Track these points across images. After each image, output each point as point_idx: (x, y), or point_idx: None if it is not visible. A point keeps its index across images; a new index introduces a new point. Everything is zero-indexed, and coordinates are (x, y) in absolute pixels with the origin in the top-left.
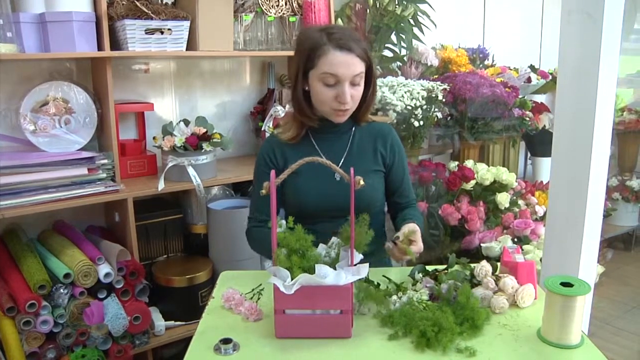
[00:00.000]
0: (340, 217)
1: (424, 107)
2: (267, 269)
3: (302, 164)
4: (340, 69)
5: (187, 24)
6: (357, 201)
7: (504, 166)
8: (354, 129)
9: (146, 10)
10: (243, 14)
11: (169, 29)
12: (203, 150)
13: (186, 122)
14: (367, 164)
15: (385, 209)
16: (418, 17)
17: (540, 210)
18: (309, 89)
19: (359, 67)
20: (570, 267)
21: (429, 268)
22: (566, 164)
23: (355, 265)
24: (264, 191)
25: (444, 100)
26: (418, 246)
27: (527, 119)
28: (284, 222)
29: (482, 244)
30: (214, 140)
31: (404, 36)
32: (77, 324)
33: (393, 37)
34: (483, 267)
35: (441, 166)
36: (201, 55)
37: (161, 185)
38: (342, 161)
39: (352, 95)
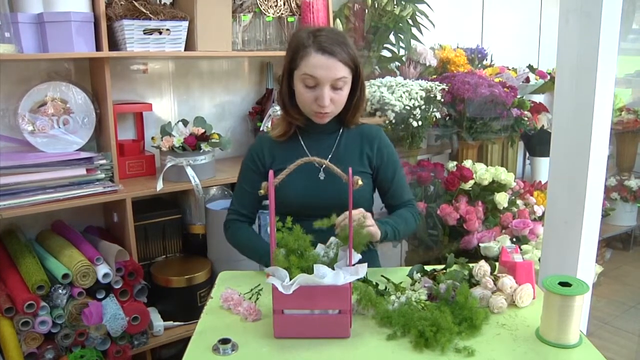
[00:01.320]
0: (323, 216)
1: (423, 107)
2: (266, 269)
3: (300, 164)
4: (319, 71)
5: (185, 24)
6: (343, 202)
7: (502, 166)
8: (341, 130)
9: (144, 11)
10: (241, 14)
11: (167, 29)
12: (201, 151)
13: (185, 123)
14: (352, 166)
15: (374, 210)
16: (416, 17)
17: (538, 210)
18: (294, 89)
19: (341, 71)
20: (568, 267)
21: (428, 268)
22: (565, 164)
23: (354, 265)
24: (262, 191)
25: (442, 100)
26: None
27: (526, 119)
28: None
29: (480, 244)
30: (213, 140)
31: (402, 36)
32: (75, 325)
33: (392, 37)
34: (481, 267)
35: (440, 166)
36: (200, 56)
37: (160, 186)
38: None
39: (333, 99)
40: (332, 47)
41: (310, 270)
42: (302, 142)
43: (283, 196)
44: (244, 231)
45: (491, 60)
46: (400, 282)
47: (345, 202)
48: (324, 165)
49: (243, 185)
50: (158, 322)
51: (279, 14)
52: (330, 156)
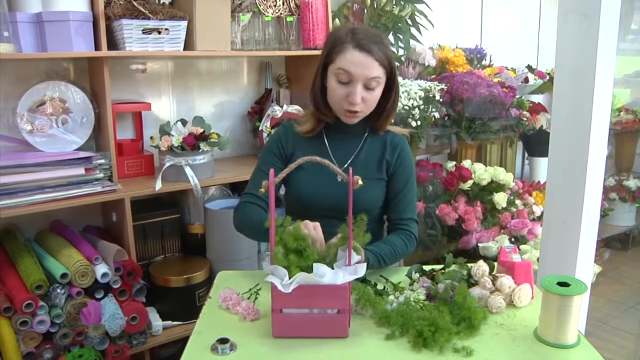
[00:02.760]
0: (337, 218)
1: (422, 107)
2: (265, 268)
3: (300, 163)
4: (354, 67)
5: (184, 23)
6: (355, 205)
7: (501, 166)
8: (367, 134)
9: (143, 10)
10: (240, 13)
11: (166, 29)
12: (200, 150)
13: (183, 122)
14: (371, 172)
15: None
16: (415, 17)
17: (537, 210)
18: (327, 85)
19: (376, 71)
20: (567, 267)
21: (426, 268)
22: (563, 164)
23: (353, 265)
24: (262, 190)
25: (441, 100)
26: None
27: (525, 119)
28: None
29: (479, 244)
30: (212, 140)
31: (401, 36)
32: (74, 324)
33: (391, 37)
34: (480, 267)
35: (439, 166)
36: (198, 55)
37: (158, 185)
38: (347, 164)
39: (365, 99)
40: (370, 45)
41: (309, 270)
42: (327, 142)
43: (299, 195)
44: (254, 211)
45: (490, 61)
46: (399, 282)
47: (360, 205)
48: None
49: (261, 167)
50: (157, 321)
51: (278, 13)
52: (351, 159)
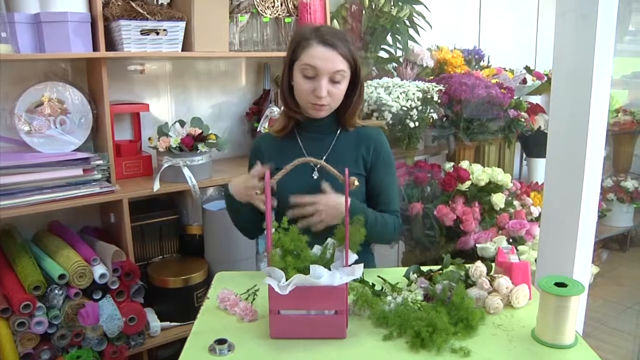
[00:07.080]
0: None
1: (420, 108)
2: (262, 269)
3: (296, 164)
4: (319, 61)
5: (182, 24)
6: None
7: (499, 167)
8: (339, 131)
9: (141, 11)
10: (238, 14)
11: (164, 30)
12: (198, 151)
13: (182, 123)
14: (347, 167)
15: None
16: (414, 18)
17: (535, 211)
18: (294, 82)
19: (340, 64)
20: (564, 268)
21: (424, 268)
22: (561, 165)
23: (350, 265)
24: (258, 192)
25: (439, 101)
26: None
27: (523, 120)
28: None
29: (477, 245)
30: (210, 141)
31: (399, 37)
32: (72, 325)
33: (389, 38)
34: (478, 268)
35: (436, 167)
36: (197, 56)
37: (156, 186)
38: (322, 160)
39: (331, 92)
40: (334, 40)
41: (306, 271)
42: (300, 142)
43: (277, 195)
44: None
45: (488, 62)
46: (397, 283)
47: None
48: (318, 165)
49: None
50: (155, 322)
51: (276, 14)
52: (325, 156)
